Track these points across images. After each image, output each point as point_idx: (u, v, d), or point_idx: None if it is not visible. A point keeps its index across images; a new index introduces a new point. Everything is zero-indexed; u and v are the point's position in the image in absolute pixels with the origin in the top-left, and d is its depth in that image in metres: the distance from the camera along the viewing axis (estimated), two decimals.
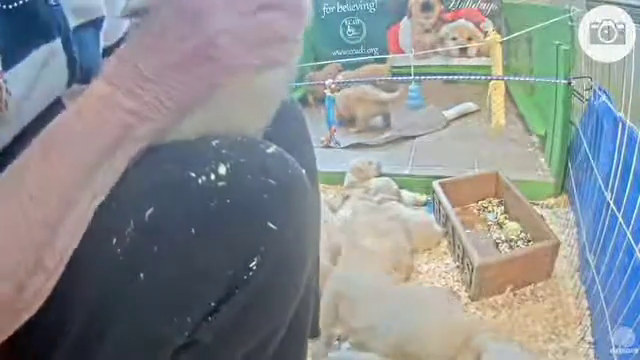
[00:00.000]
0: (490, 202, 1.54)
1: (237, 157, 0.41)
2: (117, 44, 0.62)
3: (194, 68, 0.37)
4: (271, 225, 0.40)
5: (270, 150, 0.43)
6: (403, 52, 2.70)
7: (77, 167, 0.37)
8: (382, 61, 2.76)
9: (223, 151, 0.41)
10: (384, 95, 2.08)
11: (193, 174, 0.39)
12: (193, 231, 0.38)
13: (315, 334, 0.91)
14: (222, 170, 0.39)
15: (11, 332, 0.37)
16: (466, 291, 1.19)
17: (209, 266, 0.40)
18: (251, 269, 0.40)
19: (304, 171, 0.46)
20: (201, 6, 0.36)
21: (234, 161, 0.40)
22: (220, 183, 0.39)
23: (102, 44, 0.58)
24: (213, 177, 0.39)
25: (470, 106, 2.25)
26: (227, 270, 0.40)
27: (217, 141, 0.42)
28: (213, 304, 0.41)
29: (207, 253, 0.39)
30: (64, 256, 0.37)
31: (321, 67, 2.62)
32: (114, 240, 0.38)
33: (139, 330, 0.40)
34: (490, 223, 1.44)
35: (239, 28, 0.37)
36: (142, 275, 0.38)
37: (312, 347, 1.03)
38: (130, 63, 0.37)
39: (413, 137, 2.03)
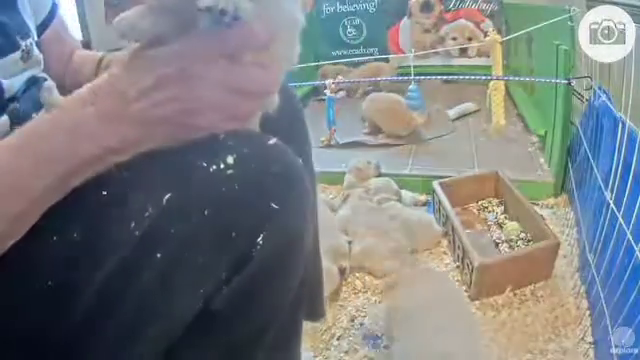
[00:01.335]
0: (490, 202, 1.54)
1: (242, 148, 0.46)
2: (46, 21, 0.69)
3: (171, 127, 0.44)
4: (274, 205, 0.46)
5: (271, 142, 0.49)
6: (403, 52, 2.70)
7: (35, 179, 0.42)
8: (383, 61, 2.76)
9: (230, 143, 0.46)
10: (417, 117, 2.00)
11: (205, 163, 0.44)
12: (206, 213, 0.43)
13: (316, 318, 0.95)
14: (230, 160, 0.45)
15: None
16: (466, 291, 1.19)
17: (221, 243, 0.44)
18: (258, 244, 0.45)
19: (300, 160, 0.52)
20: (198, 73, 0.43)
21: (240, 152, 0.45)
22: (229, 171, 0.44)
23: (25, 20, 0.64)
24: (222, 166, 0.44)
25: (470, 106, 2.25)
26: (237, 246, 0.45)
27: (223, 135, 0.47)
28: (224, 276, 0.46)
29: (219, 232, 0.44)
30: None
31: (319, 67, 2.62)
32: (132, 224, 0.42)
33: (152, 306, 0.44)
34: (490, 223, 1.44)
35: (223, 100, 0.44)
36: (159, 255, 0.43)
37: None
38: (120, 90, 0.43)
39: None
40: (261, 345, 0.53)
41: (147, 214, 0.43)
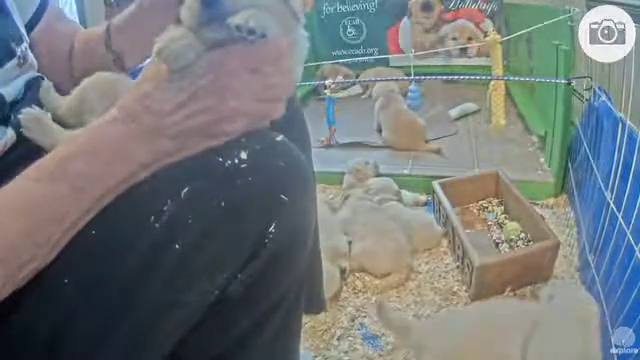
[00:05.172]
0: (490, 202, 1.54)
1: (254, 144, 0.49)
2: (35, 17, 0.68)
3: (200, 137, 0.47)
4: (283, 197, 0.49)
5: (278, 138, 0.52)
6: (403, 52, 2.70)
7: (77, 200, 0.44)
8: (383, 61, 2.76)
9: (242, 140, 0.49)
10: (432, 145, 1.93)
11: (221, 159, 0.47)
12: (223, 204, 0.46)
13: (317, 310, 0.99)
14: (243, 155, 0.48)
15: None
16: (466, 291, 1.19)
17: (236, 233, 0.47)
18: (270, 233, 0.49)
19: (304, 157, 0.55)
20: (229, 84, 0.45)
21: (252, 148, 0.49)
22: (243, 165, 0.47)
23: (16, 23, 0.63)
24: (237, 161, 0.47)
25: (470, 106, 2.25)
26: (250, 236, 0.48)
27: None
28: (240, 264, 0.49)
29: (234, 223, 0.47)
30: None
31: (317, 67, 2.62)
32: (152, 217, 0.45)
33: (170, 295, 0.46)
34: (490, 223, 1.44)
35: (250, 107, 0.47)
36: (177, 245, 0.45)
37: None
38: (154, 107, 0.45)
39: None
40: (267, 328, 0.55)
41: (166, 207, 0.45)
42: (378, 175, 1.63)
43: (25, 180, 0.43)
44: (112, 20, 0.71)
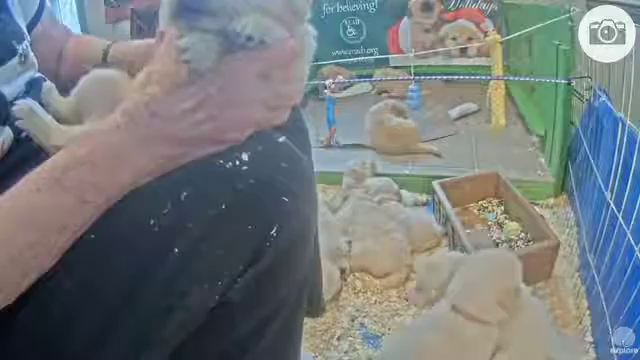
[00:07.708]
0: (490, 202, 1.54)
1: (255, 146, 0.48)
2: (35, 18, 0.68)
3: (205, 144, 0.46)
4: (285, 200, 0.48)
5: (281, 140, 0.51)
6: (403, 52, 2.70)
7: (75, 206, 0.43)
8: (383, 61, 2.76)
9: (244, 141, 0.48)
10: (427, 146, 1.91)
11: (222, 161, 0.47)
12: (223, 207, 0.45)
13: (316, 313, 0.97)
14: (245, 157, 0.47)
15: None
16: None
17: (237, 237, 0.46)
18: (272, 236, 0.48)
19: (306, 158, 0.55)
20: (238, 92, 0.45)
21: (253, 149, 0.48)
22: (244, 167, 0.47)
23: (17, 21, 0.63)
24: (238, 163, 0.47)
25: (470, 106, 2.25)
26: (252, 239, 0.47)
27: None
28: (240, 269, 0.48)
29: (235, 226, 0.46)
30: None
31: (319, 67, 2.62)
32: (151, 221, 0.44)
33: (170, 298, 0.45)
34: (490, 223, 1.44)
35: (258, 115, 0.47)
36: (177, 249, 0.44)
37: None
38: (160, 113, 0.44)
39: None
40: (268, 332, 0.54)
41: (165, 211, 0.44)
42: (376, 175, 1.63)
43: (25, 189, 0.43)
44: (111, 47, 0.70)
